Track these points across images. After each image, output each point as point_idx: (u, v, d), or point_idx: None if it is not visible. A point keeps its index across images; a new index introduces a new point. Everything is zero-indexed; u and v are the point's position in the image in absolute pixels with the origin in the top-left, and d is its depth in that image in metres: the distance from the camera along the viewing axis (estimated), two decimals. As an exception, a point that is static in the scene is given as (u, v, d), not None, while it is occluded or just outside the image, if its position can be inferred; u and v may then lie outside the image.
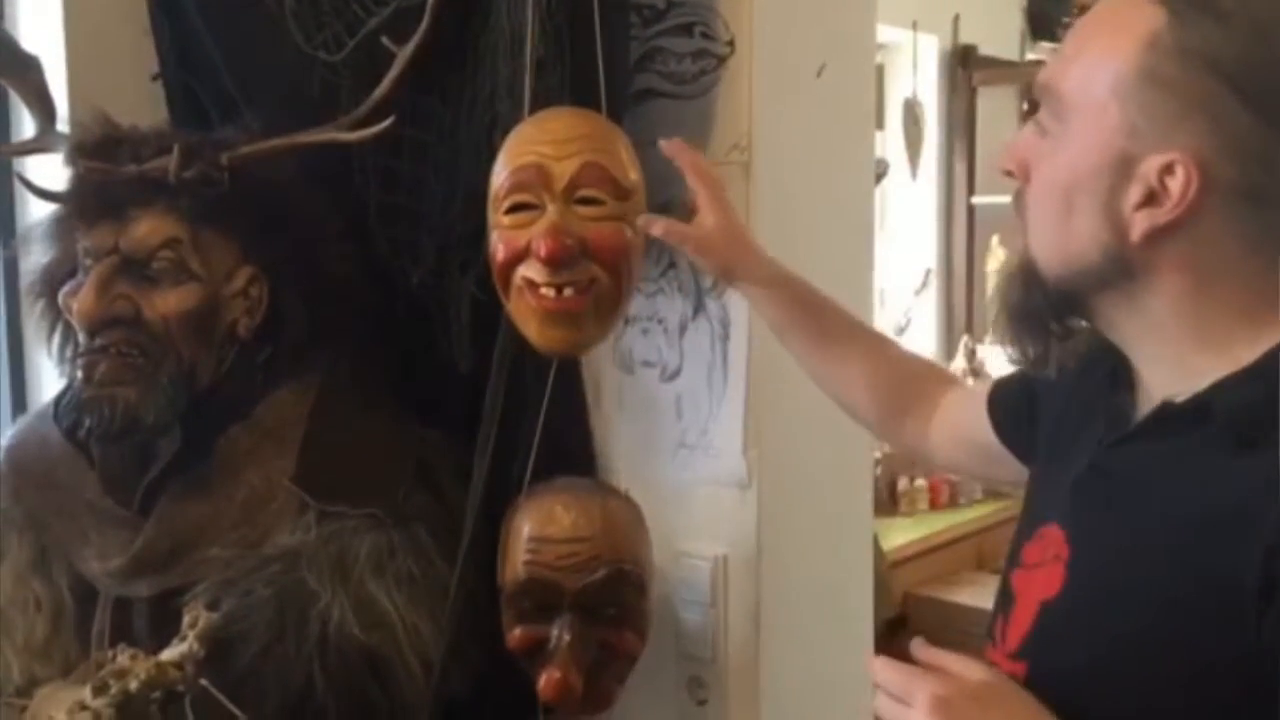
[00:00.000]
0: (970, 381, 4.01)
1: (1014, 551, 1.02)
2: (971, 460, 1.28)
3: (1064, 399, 1.06)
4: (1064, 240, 0.92)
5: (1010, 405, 1.18)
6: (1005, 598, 0.99)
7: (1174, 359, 0.91)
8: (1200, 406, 0.88)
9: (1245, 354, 0.88)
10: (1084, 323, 0.97)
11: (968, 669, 0.89)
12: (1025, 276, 0.95)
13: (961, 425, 1.26)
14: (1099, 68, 0.89)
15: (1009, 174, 0.97)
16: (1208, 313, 0.89)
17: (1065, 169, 0.91)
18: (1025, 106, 1.10)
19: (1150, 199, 0.87)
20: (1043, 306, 0.95)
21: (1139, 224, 0.88)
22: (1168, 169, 0.86)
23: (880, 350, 1.36)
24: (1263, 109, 0.85)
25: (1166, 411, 0.91)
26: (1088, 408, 1.01)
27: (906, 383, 1.33)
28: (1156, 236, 0.87)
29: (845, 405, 1.36)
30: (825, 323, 1.33)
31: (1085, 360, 1.02)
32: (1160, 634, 0.84)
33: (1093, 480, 0.95)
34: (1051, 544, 0.95)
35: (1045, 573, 0.94)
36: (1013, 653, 0.95)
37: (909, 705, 0.89)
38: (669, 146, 1.32)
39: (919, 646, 0.93)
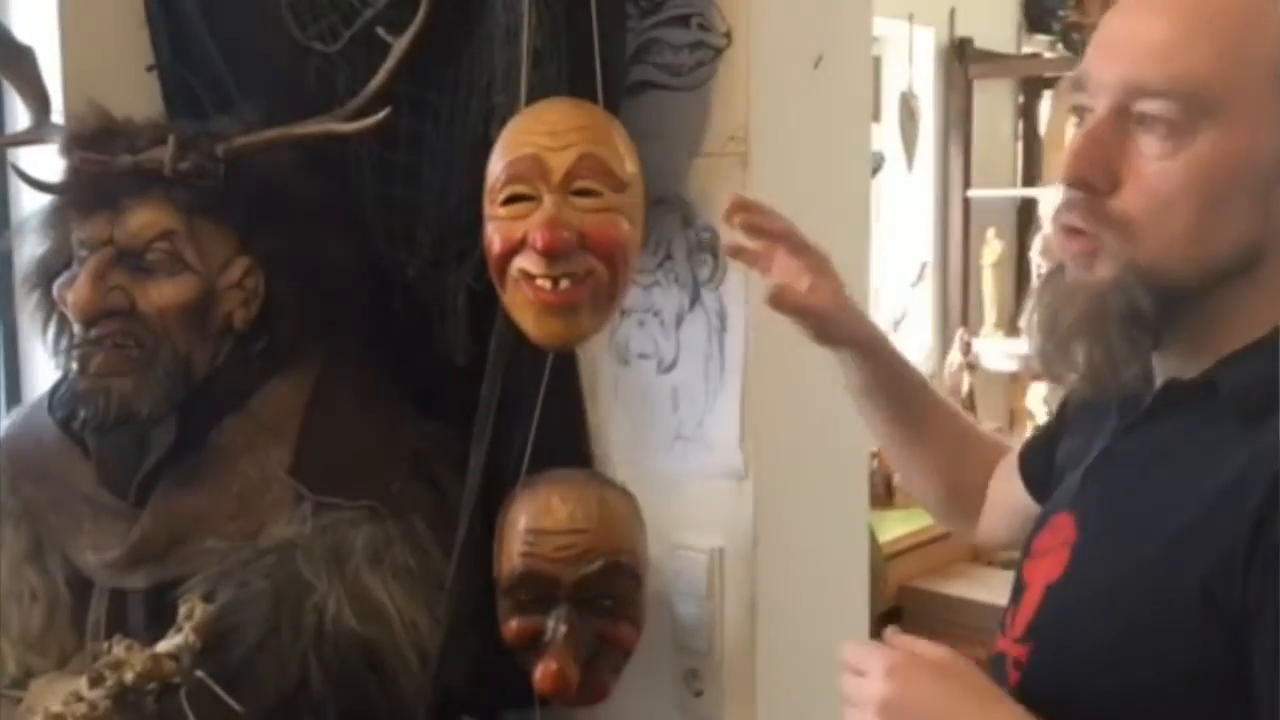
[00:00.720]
0: (965, 376, 4.02)
1: (1026, 544, 1.02)
2: (1013, 531, 1.22)
3: (1088, 413, 1.05)
4: (1203, 241, 0.86)
5: (1041, 464, 1.17)
6: (1016, 589, 1.00)
7: (1218, 346, 0.89)
8: (1206, 383, 0.89)
9: (1257, 331, 0.88)
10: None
11: (929, 647, 0.89)
12: (1138, 283, 0.87)
13: (999, 496, 1.27)
14: (1246, 56, 0.84)
15: (1083, 186, 0.88)
16: None
17: (1212, 169, 0.85)
18: (1078, 107, 1.00)
19: None
20: (1147, 314, 0.88)
21: None
22: None
23: (955, 440, 1.31)
24: None
25: (1172, 389, 0.91)
26: (1105, 408, 1.00)
27: (971, 481, 1.30)
28: None
29: (908, 481, 1.37)
30: (907, 394, 1.29)
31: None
32: (1160, 610, 0.84)
33: (1101, 465, 0.96)
34: (1061, 530, 0.96)
35: (1052, 558, 0.95)
36: (1019, 637, 0.96)
37: (866, 675, 0.89)
38: (738, 212, 1.24)
39: (890, 633, 0.93)
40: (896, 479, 4.07)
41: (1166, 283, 0.87)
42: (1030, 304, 0.96)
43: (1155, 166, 0.86)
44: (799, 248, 1.25)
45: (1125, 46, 0.88)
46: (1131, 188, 0.87)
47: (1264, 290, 0.88)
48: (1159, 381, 0.95)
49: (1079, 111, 0.91)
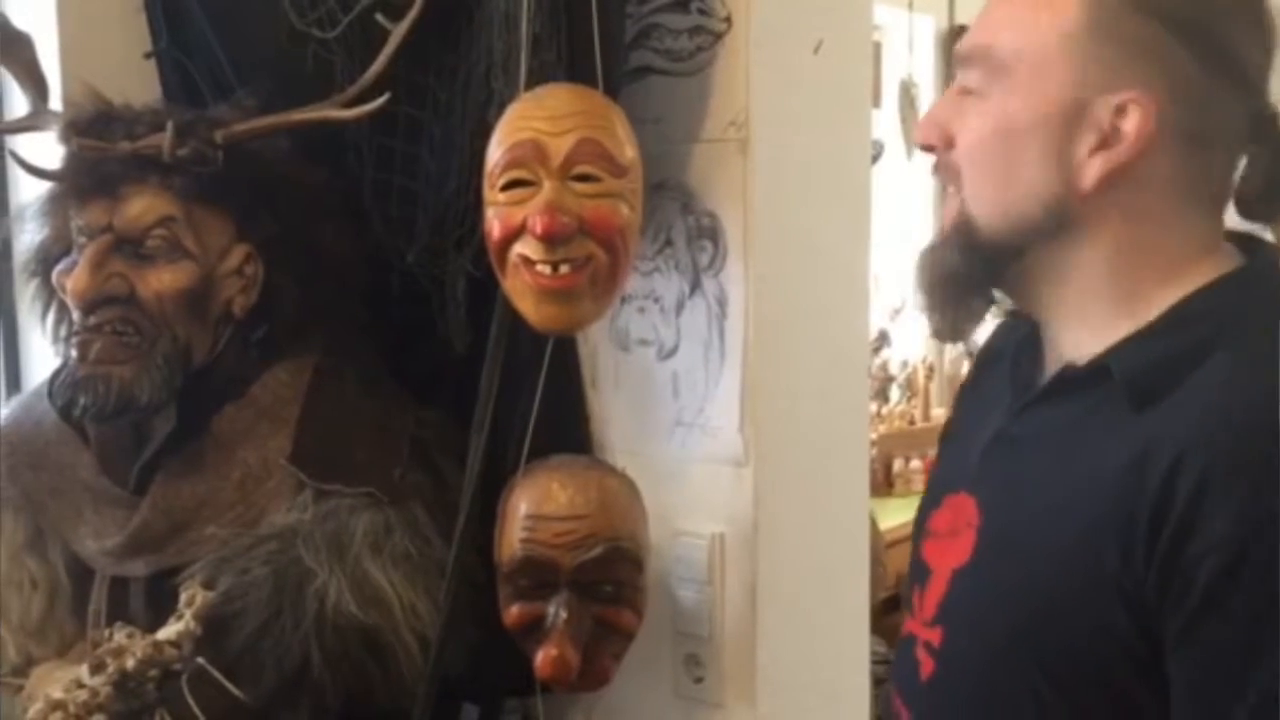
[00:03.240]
0: (965, 363, 4.02)
1: (920, 522, 1.04)
2: None
3: (975, 390, 1.09)
4: (1008, 193, 0.94)
5: None
6: (919, 569, 1.02)
7: (1094, 318, 0.93)
8: (1099, 369, 0.91)
9: (1153, 313, 0.90)
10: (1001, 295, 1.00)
11: None
12: (961, 239, 0.97)
13: None
14: (1040, 21, 0.92)
15: (928, 148, 0.99)
16: (1138, 268, 0.92)
17: (1008, 122, 0.93)
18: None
19: (1103, 143, 0.90)
20: (976, 270, 0.97)
21: (1094, 168, 0.90)
22: (1121, 109, 0.89)
23: None
24: (1201, 53, 0.88)
25: (1067, 375, 0.94)
26: (994, 380, 1.04)
27: None
28: (1108, 181, 0.90)
29: None
30: None
31: (992, 337, 1.06)
32: (1065, 593, 0.86)
33: (999, 447, 0.98)
34: (962, 512, 0.97)
35: (957, 541, 0.96)
36: (928, 620, 0.98)
37: None
38: None
39: None
40: (896, 467, 4.08)
41: (982, 238, 0.96)
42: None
43: (970, 125, 0.96)
44: None
45: (971, 29, 1.00)
46: (959, 145, 0.97)
47: (1098, 257, 0.92)
48: (1046, 356, 0.98)
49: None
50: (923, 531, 1.03)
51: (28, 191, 1.55)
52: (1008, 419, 0.99)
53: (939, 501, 1.02)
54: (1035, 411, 0.96)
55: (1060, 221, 0.92)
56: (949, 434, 1.16)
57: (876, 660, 2.62)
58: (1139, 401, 0.87)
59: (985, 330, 1.09)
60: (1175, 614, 0.80)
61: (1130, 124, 0.88)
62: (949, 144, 0.97)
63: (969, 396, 1.13)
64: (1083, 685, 0.86)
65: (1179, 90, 0.89)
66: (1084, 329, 0.94)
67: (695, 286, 1.50)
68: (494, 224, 1.26)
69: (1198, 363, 0.85)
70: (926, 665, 0.97)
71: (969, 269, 0.97)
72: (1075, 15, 0.90)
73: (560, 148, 1.23)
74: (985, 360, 1.12)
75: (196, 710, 1.24)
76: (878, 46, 3.75)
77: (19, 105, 1.52)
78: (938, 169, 1.00)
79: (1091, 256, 0.93)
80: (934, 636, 0.96)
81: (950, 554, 0.97)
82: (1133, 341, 0.90)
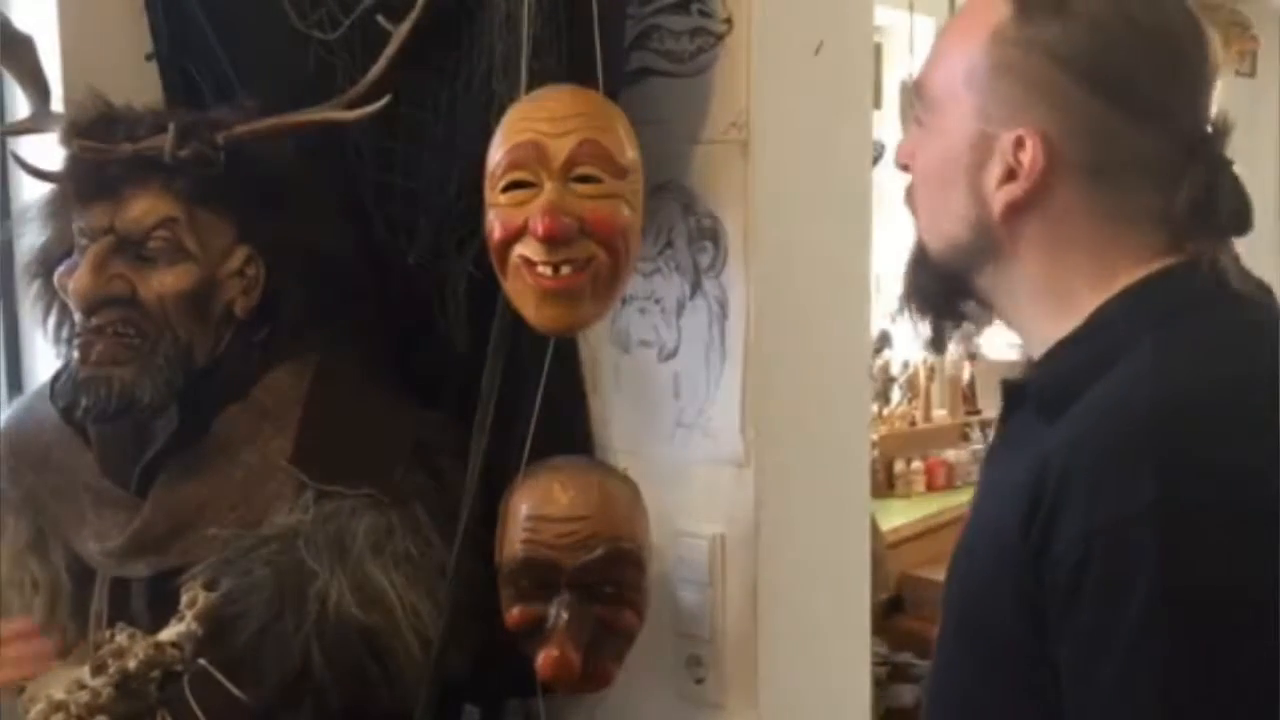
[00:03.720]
0: (967, 366, 4.02)
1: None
2: None
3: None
4: (941, 219, 1.01)
5: None
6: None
7: (1035, 332, 1.00)
8: (1020, 383, 0.99)
9: (1068, 323, 0.96)
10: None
11: None
12: (918, 259, 1.05)
13: None
14: (955, 61, 0.98)
15: (904, 168, 1.06)
16: (1061, 285, 0.97)
17: (937, 154, 1.00)
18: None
19: (1009, 175, 0.95)
20: (936, 287, 1.04)
21: (1000, 199, 0.96)
22: (1019, 144, 0.94)
23: None
24: (1101, 91, 0.93)
25: (1006, 389, 1.02)
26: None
27: None
28: (1015, 211, 0.96)
29: None
30: None
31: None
32: (983, 593, 0.93)
33: (986, 454, 1.09)
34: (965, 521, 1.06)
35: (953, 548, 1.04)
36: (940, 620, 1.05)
37: None
38: None
39: None
40: (897, 468, 4.08)
41: (930, 258, 1.03)
42: None
43: (916, 153, 1.04)
44: None
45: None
46: (912, 171, 1.05)
47: (1030, 273, 0.98)
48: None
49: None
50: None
51: (30, 193, 1.55)
52: (996, 428, 1.07)
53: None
54: (1007, 421, 1.03)
55: (986, 245, 0.98)
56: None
57: (877, 662, 2.62)
58: (1046, 414, 0.92)
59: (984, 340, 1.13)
60: (1050, 609, 0.85)
61: (1026, 158, 0.94)
62: (910, 170, 1.05)
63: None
64: (1002, 671, 0.92)
65: (1076, 124, 0.93)
66: (1036, 342, 1.00)
67: (696, 288, 1.50)
68: (495, 225, 1.26)
69: (1100, 373, 0.90)
70: (933, 656, 1.04)
71: (932, 286, 1.04)
72: (980, 54, 0.96)
73: (561, 149, 1.23)
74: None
75: (198, 711, 1.24)
76: (878, 48, 3.75)
77: (21, 107, 1.53)
78: (906, 194, 1.07)
79: (1023, 274, 0.98)
80: (937, 630, 1.04)
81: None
82: (1049, 354, 0.97)
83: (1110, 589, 0.81)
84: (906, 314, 1.07)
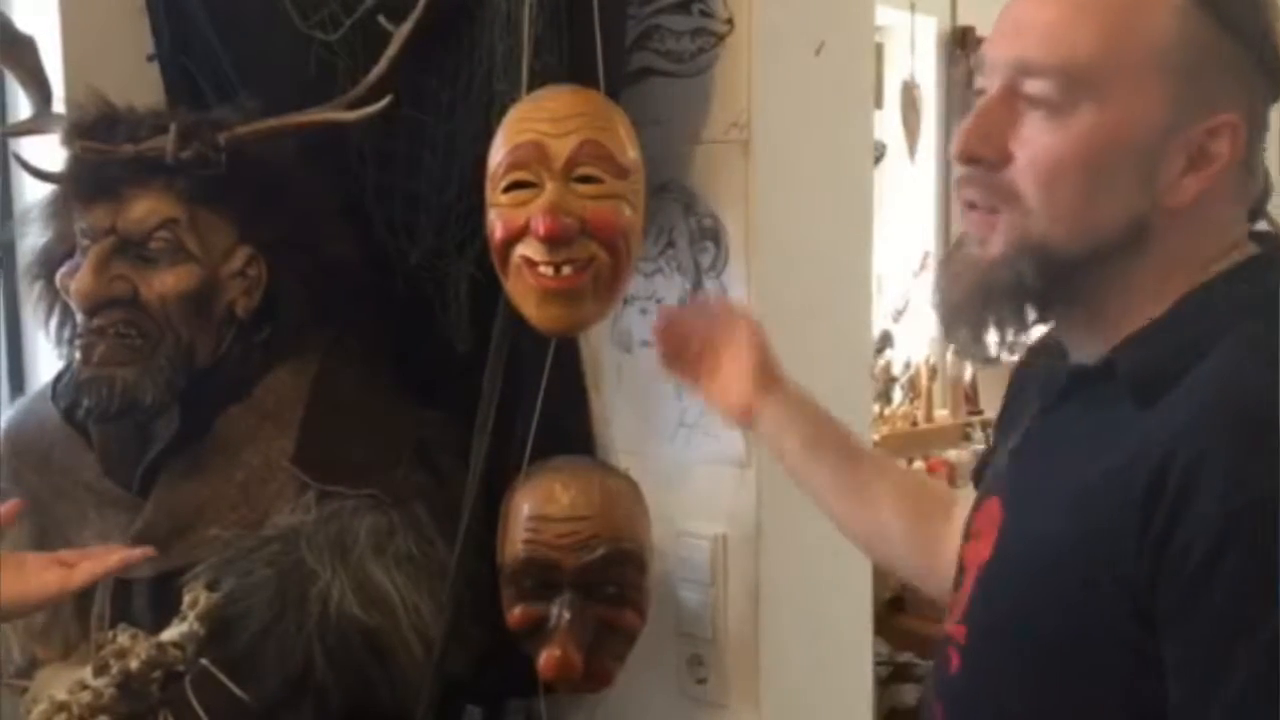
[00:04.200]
0: (967, 365, 4.02)
1: (965, 526, 1.05)
2: None
3: (1015, 400, 1.09)
4: (1090, 214, 0.89)
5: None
6: (958, 571, 1.03)
7: (1117, 321, 0.92)
8: (1106, 365, 0.91)
9: (1161, 310, 0.91)
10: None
11: None
12: (1024, 257, 0.91)
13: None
14: (1133, 37, 0.87)
15: (971, 160, 0.92)
16: (1166, 272, 0.90)
17: (1092, 141, 0.88)
18: (979, 90, 1.06)
19: (1192, 164, 0.87)
20: (1038, 287, 0.92)
21: (1188, 190, 0.88)
22: (1213, 133, 0.87)
23: (902, 472, 1.37)
24: (1265, 74, 0.88)
25: (1078, 374, 0.94)
26: (1027, 388, 1.05)
27: (931, 501, 1.29)
28: (1192, 204, 0.88)
29: (869, 530, 1.29)
30: (850, 441, 1.29)
31: (1026, 354, 1.06)
32: (1066, 584, 0.87)
33: (1021, 448, 0.99)
34: (990, 513, 0.98)
35: (984, 541, 0.98)
36: (957, 619, 0.98)
37: None
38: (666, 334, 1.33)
39: None
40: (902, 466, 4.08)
41: (1055, 256, 0.90)
42: (933, 283, 1.00)
43: (1040, 142, 0.89)
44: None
45: (1017, 29, 0.92)
46: (1020, 162, 0.90)
47: (1152, 267, 0.90)
48: (1073, 357, 0.98)
49: (979, 94, 0.95)
50: (965, 536, 1.04)
51: (32, 194, 1.55)
52: (1032, 421, 0.99)
53: (979, 506, 1.03)
54: (1054, 412, 0.97)
55: (1132, 238, 0.90)
56: (993, 446, 1.19)
57: (879, 662, 2.62)
58: (1141, 398, 0.87)
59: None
60: (1166, 598, 0.81)
61: (1223, 146, 0.87)
62: (1005, 158, 0.91)
63: (1006, 409, 1.14)
64: (1092, 679, 0.86)
65: (1253, 110, 0.88)
66: (1109, 330, 0.93)
67: (697, 288, 1.50)
68: (496, 225, 1.26)
69: (1199, 357, 0.86)
70: (954, 661, 0.98)
71: (1031, 286, 0.92)
72: (1169, 30, 0.87)
73: (562, 149, 1.23)
74: (1018, 377, 1.12)
75: (200, 711, 1.24)
76: (879, 48, 3.75)
77: (23, 108, 1.53)
78: (977, 185, 0.93)
79: (1142, 266, 0.91)
80: (960, 633, 0.97)
81: (978, 554, 0.98)
82: (1137, 338, 0.90)
83: (1248, 571, 0.77)
84: (970, 320, 0.94)
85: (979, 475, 1.21)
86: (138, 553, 1.27)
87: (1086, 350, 0.95)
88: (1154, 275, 0.91)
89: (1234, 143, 0.87)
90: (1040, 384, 1.01)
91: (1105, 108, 0.88)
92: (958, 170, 0.95)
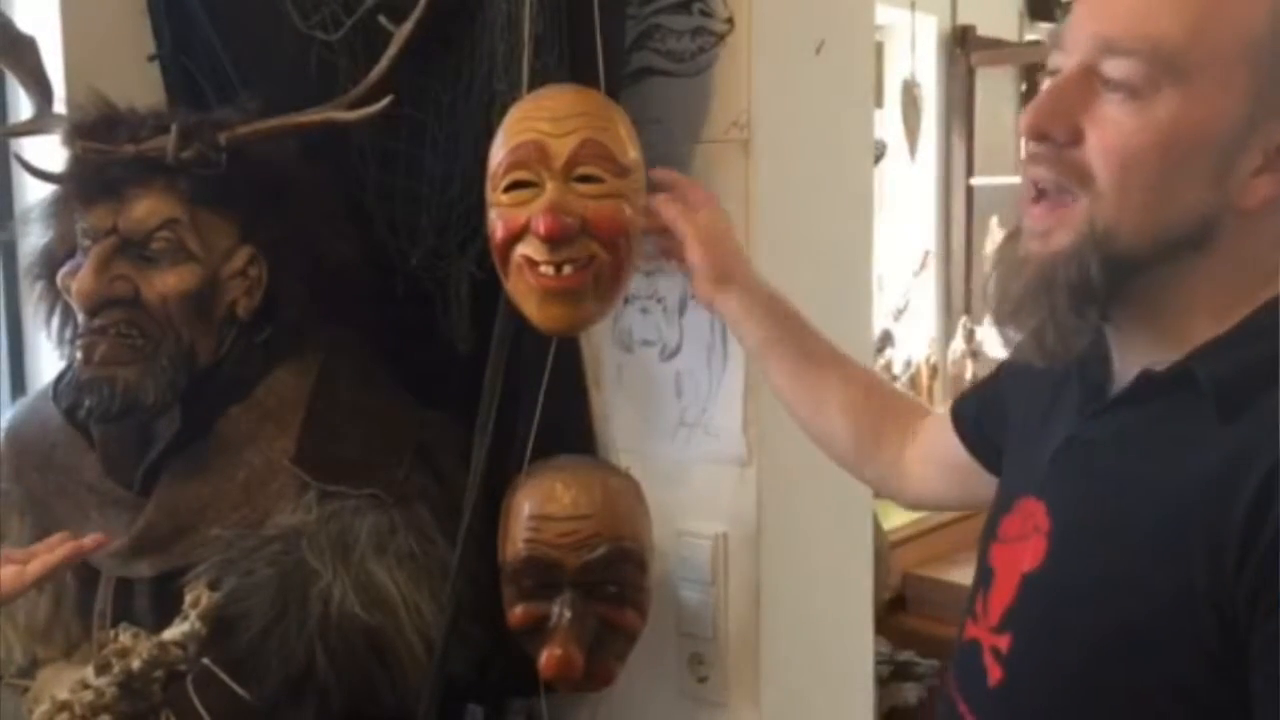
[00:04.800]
0: (969, 364, 4.02)
1: (990, 526, 1.01)
2: (944, 483, 1.25)
3: (1033, 382, 1.04)
4: (1160, 207, 0.85)
5: (972, 414, 1.19)
6: (984, 573, 0.99)
7: (1184, 331, 0.89)
8: (1183, 374, 0.87)
9: (1231, 319, 0.87)
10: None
11: None
12: (1092, 248, 0.87)
13: (935, 447, 1.25)
14: (1227, 24, 0.83)
15: (1041, 136, 0.88)
16: (1246, 277, 0.87)
17: (1173, 130, 0.84)
18: (1053, 69, 1.00)
19: (1269, 164, 0.84)
20: (1102, 282, 0.87)
21: (1260, 190, 0.85)
22: None
23: (860, 377, 1.33)
24: None
25: (1148, 380, 0.90)
26: (1060, 384, 1.00)
27: (883, 410, 1.30)
28: (1265, 204, 0.85)
29: (820, 432, 1.33)
30: (809, 343, 1.32)
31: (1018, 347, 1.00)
32: (1152, 607, 0.83)
33: (1072, 451, 0.94)
34: (1031, 516, 0.95)
35: (1026, 545, 0.94)
36: (994, 626, 0.95)
37: None
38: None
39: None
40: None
41: (1121, 250, 0.86)
42: (987, 275, 0.95)
43: (1117, 124, 0.85)
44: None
45: (1104, 5, 0.88)
46: (1093, 143, 0.86)
47: (1218, 267, 0.87)
48: (1116, 360, 0.94)
49: (1051, 74, 0.91)
50: (992, 536, 1.00)
51: (33, 194, 1.55)
52: (1080, 423, 0.95)
53: (1009, 506, 0.99)
54: (1112, 415, 0.92)
55: (1202, 236, 0.86)
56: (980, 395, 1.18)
57: (880, 661, 2.62)
58: (1226, 410, 0.83)
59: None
60: (1265, 625, 0.77)
61: None
62: (1076, 138, 0.87)
63: (1005, 405, 1.10)
64: (1161, 692, 0.83)
65: None
66: (1166, 334, 0.89)
67: (698, 287, 1.50)
68: (497, 225, 1.26)
69: (1274, 372, 0.83)
70: (995, 671, 0.94)
71: (1096, 284, 0.87)
72: (1262, 23, 0.83)
73: (563, 149, 1.23)
74: (1014, 371, 1.09)
75: (202, 711, 1.25)
76: (880, 47, 3.75)
77: (23, 108, 1.53)
78: (1046, 162, 0.89)
79: (1210, 270, 0.87)
80: (1001, 642, 0.94)
81: (1018, 558, 0.94)
82: (1215, 347, 0.87)
83: None
84: (1032, 317, 0.90)
85: (959, 418, 1.20)
86: (89, 541, 1.26)
87: (1140, 354, 0.91)
88: (1218, 280, 0.87)
89: None
90: (1083, 385, 0.96)
91: (1189, 96, 0.83)
92: (1027, 149, 0.90)
